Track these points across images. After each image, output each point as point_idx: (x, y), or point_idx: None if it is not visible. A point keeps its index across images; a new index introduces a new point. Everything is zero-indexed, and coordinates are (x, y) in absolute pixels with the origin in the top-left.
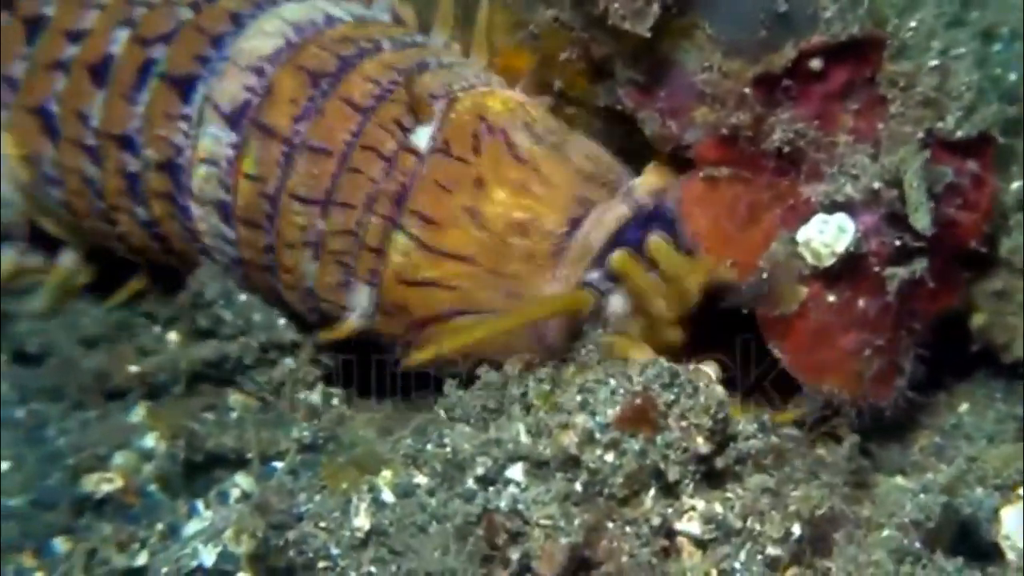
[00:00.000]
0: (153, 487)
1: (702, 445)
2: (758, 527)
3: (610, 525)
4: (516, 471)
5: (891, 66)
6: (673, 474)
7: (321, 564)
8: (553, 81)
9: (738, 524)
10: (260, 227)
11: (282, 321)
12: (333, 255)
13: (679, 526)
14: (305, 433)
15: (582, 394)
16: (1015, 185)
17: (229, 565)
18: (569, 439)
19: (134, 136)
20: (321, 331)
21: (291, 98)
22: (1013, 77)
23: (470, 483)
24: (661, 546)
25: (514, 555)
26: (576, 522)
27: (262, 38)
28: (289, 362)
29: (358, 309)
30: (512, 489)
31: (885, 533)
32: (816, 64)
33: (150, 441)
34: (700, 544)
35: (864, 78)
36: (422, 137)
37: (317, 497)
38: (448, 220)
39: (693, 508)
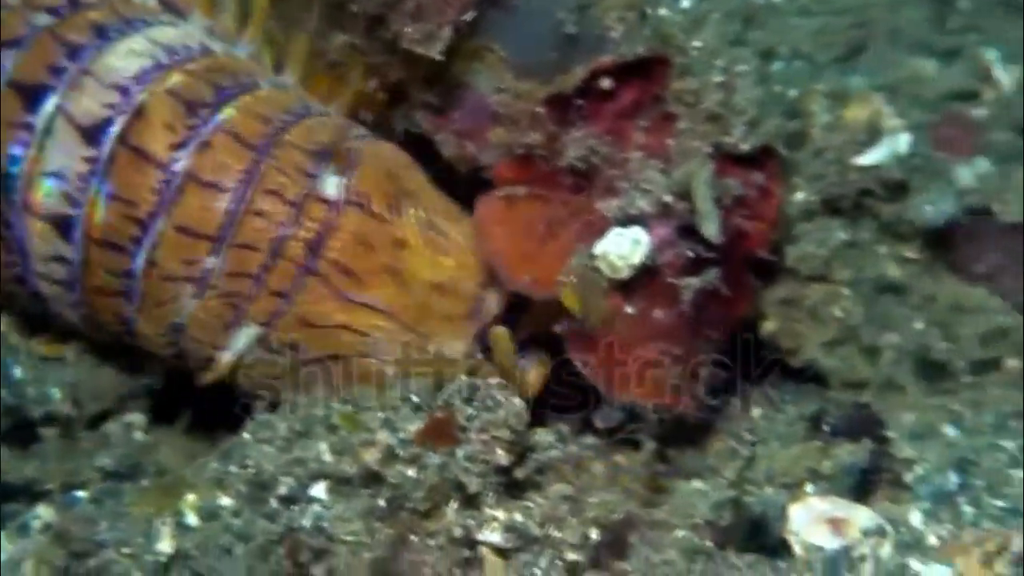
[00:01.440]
0: None
1: (502, 457)
2: (558, 534)
3: (413, 538)
4: (319, 489)
5: (678, 84)
6: (474, 486)
7: None
8: (359, 108)
9: (538, 532)
10: (123, 250)
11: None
12: (223, 295)
13: (481, 536)
14: (107, 461)
15: (384, 412)
16: (798, 196)
17: None
18: (371, 456)
19: None
20: (201, 374)
21: (164, 121)
22: (793, 93)
23: (273, 503)
24: (464, 557)
25: (318, 572)
26: (380, 537)
27: (129, 56)
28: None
29: (233, 349)
30: (316, 507)
31: (679, 534)
32: (606, 83)
33: None
34: (502, 553)
35: (653, 96)
36: (331, 185)
37: (120, 524)
38: (369, 275)
39: (494, 518)
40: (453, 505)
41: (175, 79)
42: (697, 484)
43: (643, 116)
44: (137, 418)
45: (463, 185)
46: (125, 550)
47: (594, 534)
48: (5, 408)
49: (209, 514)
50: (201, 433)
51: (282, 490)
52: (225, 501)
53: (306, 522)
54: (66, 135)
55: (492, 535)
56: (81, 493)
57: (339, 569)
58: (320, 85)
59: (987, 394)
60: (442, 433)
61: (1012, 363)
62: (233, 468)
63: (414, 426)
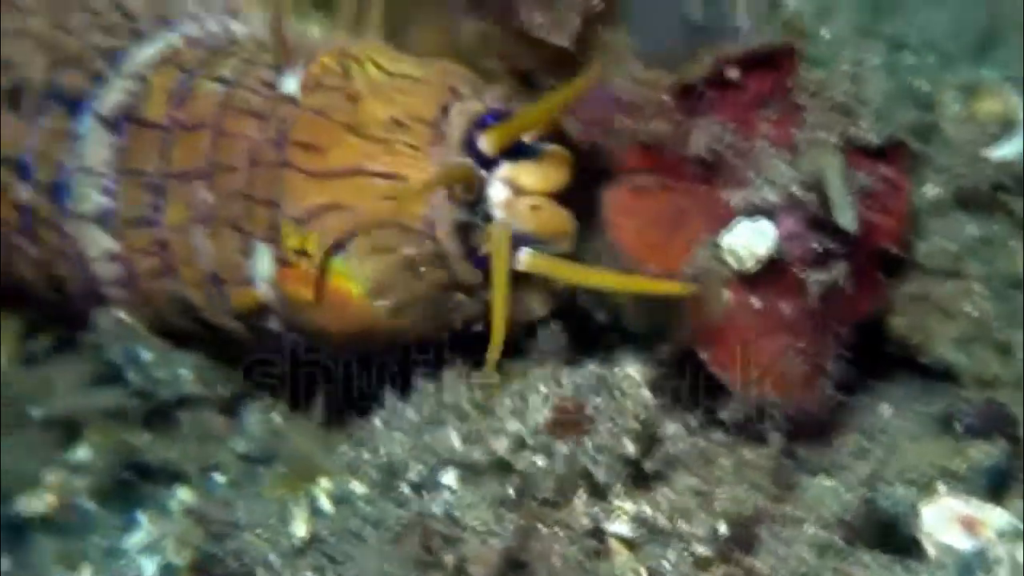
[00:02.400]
0: (88, 502)
1: (630, 448)
2: (686, 527)
3: (541, 528)
4: (450, 477)
5: (806, 74)
6: (602, 476)
7: (260, 572)
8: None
9: (666, 524)
10: (148, 222)
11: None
12: (226, 222)
13: (609, 527)
14: (245, 445)
15: (513, 400)
16: (928, 189)
17: None
18: (501, 444)
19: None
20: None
21: (165, 88)
22: (924, 85)
23: (405, 489)
24: (591, 547)
25: (449, 559)
26: (508, 525)
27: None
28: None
29: (261, 275)
30: (446, 494)
31: (808, 530)
32: (734, 73)
33: (82, 455)
34: (629, 544)
35: (780, 86)
36: (291, 83)
37: (256, 507)
38: (329, 141)
39: (622, 509)
40: (581, 495)
41: (178, 57)
42: (826, 481)
43: (770, 107)
44: (275, 404)
45: (590, 174)
46: (261, 532)
47: (722, 527)
48: (137, 390)
49: (341, 499)
50: (333, 418)
51: (412, 476)
52: (357, 487)
53: (436, 509)
54: (95, 130)
55: (620, 526)
56: (219, 476)
57: (469, 556)
58: None
59: None
60: (571, 423)
61: None
62: (365, 454)
63: (543, 415)
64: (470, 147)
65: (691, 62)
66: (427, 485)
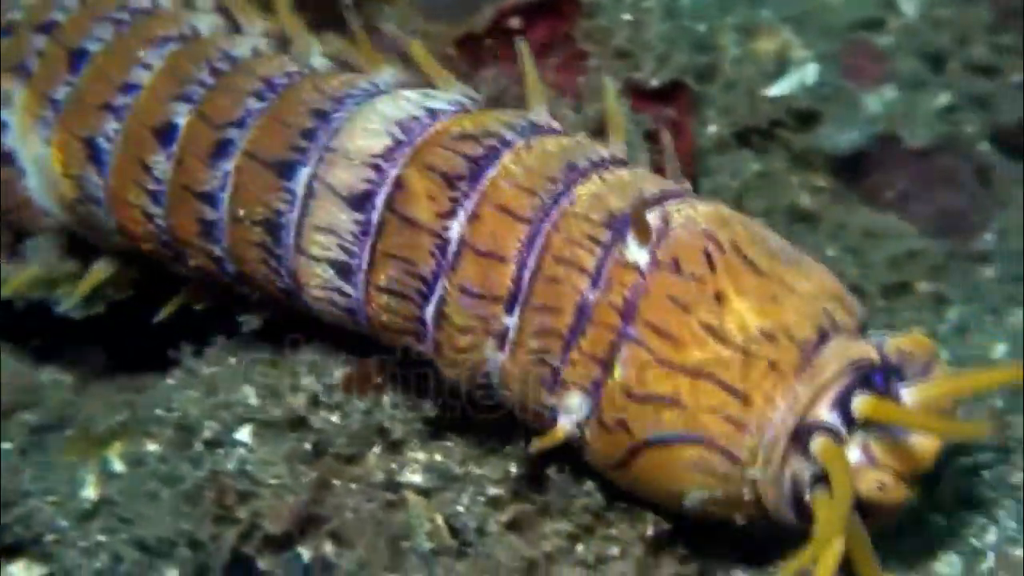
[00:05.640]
0: None
1: (426, 404)
2: (478, 470)
3: (337, 482)
4: (245, 434)
5: (587, 21)
6: (397, 432)
7: (49, 537)
8: None
9: (459, 470)
10: (410, 299)
11: None
12: (531, 352)
13: (402, 478)
14: (33, 415)
15: (310, 357)
16: (711, 129)
17: None
18: (297, 401)
19: (215, 194)
20: (538, 440)
21: (428, 195)
22: (702, 27)
23: (200, 447)
24: (386, 499)
25: (243, 514)
26: (303, 481)
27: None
28: None
29: (572, 415)
30: (242, 451)
31: None
32: (516, 23)
33: None
34: (423, 493)
35: (563, 34)
36: (633, 251)
37: (46, 473)
38: (686, 336)
39: (416, 460)
40: (376, 450)
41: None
42: None
43: (554, 54)
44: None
45: None
46: (50, 498)
47: (514, 468)
48: None
49: (135, 461)
50: (127, 381)
51: (207, 434)
52: (152, 447)
53: (231, 466)
54: (328, 199)
55: (413, 476)
56: (6, 445)
57: (263, 512)
58: None
59: (899, 317)
60: (367, 380)
61: (923, 286)
62: (159, 413)
63: (339, 372)
64: (841, 403)
65: (473, 14)
66: (222, 442)
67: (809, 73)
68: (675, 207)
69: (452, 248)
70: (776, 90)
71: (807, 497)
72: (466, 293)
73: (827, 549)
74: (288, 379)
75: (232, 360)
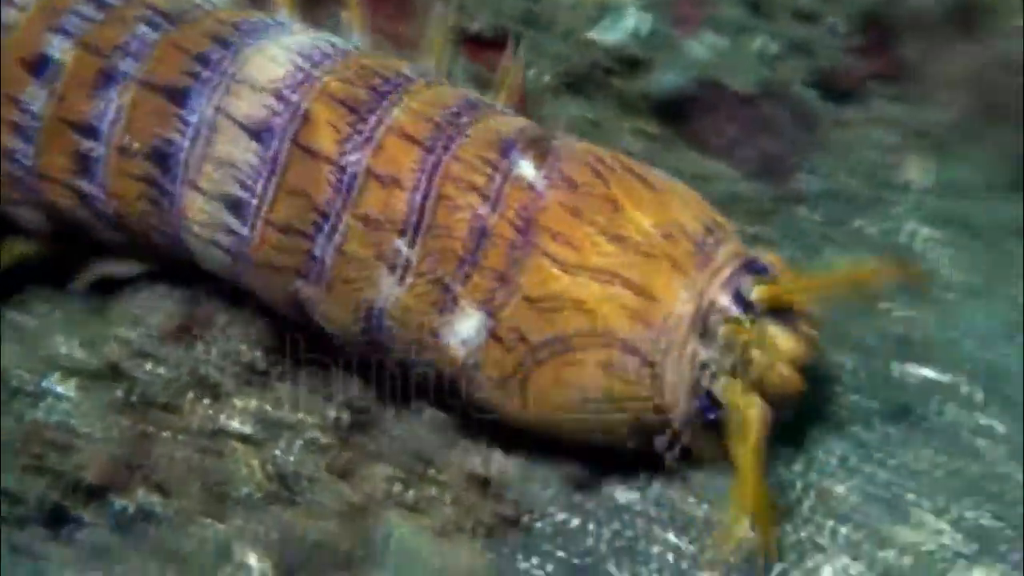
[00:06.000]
0: None
1: (249, 353)
2: (304, 417)
3: (158, 432)
4: (67, 386)
5: None
6: (223, 382)
7: None
8: None
9: (284, 417)
10: (305, 235)
11: None
12: (430, 280)
13: (228, 427)
14: None
15: (130, 307)
16: (541, 75)
17: None
18: (117, 352)
19: (97, 126)
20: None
21: (330, 123)
22: None
23: (19, 400)
24: (209, 447)
25: (63, 466)
26: (124, 431)
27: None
28: None
29: (462, 336)
30: (62, 403)
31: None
32: None
33: None
34: (249, 441)
35: None
36: (526, 169)
37: None
38: (586, 242)
39: (242, 409)
40: (199, 399)
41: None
42: None
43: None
44: None
45: None
46: None
47: (337, 413)
48: None
49: None
50: None
51: (27, 387)
52: None
53: (51, 418)
54: (229, 130)
55: (237, 424)
56: None
57: (82, 463)
58: None
59: None
60: (189, 330)
61: (751, 228)
62: None
63: (159, 322)
64: (735, 290)
65: None
66: (42, 394)
67: (635, 19)
68: (555, 137)
69: (353, 179)
70: (602, 35)
71: (710, 385)
72: (365, 222)
73: (747, 451)
74: (112, 330)
75: (57, 313)
